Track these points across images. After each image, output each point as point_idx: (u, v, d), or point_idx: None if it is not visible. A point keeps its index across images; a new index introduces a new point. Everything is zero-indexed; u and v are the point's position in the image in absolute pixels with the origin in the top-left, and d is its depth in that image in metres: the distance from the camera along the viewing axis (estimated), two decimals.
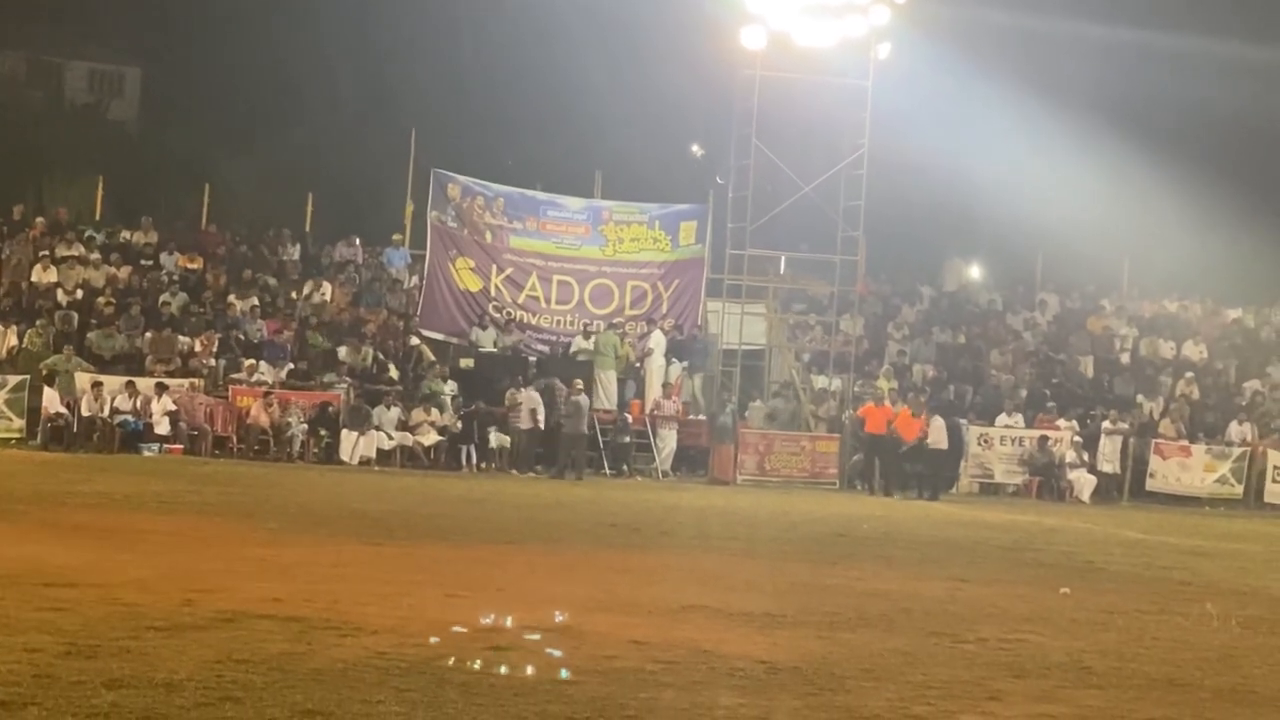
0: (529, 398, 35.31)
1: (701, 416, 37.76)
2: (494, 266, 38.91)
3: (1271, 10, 51.58)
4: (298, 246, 41.45)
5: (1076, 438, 37.42)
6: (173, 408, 33.37)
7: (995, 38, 47.36)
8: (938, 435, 35.20)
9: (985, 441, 37.36)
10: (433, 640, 11.86)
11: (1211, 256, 46.57)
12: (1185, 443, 38.58)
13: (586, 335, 38.24)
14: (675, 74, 52.58)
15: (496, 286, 38.84)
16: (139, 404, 33.32)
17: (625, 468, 35.83)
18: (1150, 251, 47.73)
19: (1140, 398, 40.86)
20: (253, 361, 35.67)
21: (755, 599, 15.57)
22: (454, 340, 38.17)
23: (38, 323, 35.43)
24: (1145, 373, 42.30)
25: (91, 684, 9.85)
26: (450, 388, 36.21)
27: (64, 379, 33.33)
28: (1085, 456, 37.23)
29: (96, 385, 32.94)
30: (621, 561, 18.43)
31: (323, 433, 34.16)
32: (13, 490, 22.84)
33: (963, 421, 37.27)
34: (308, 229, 43.57)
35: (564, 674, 10.97)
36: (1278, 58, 47.44)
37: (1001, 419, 38.07)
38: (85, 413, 32.71)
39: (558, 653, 11.67)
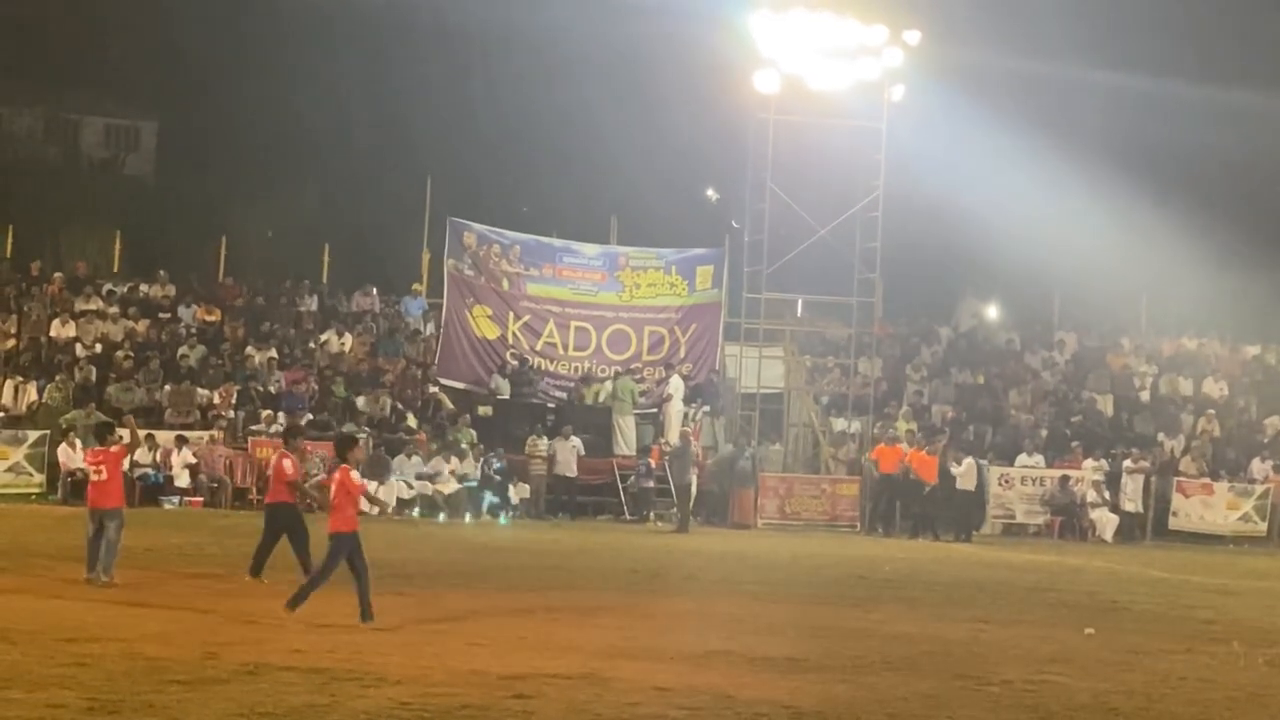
0: (564, 446, 35.42)
1: (707, 462, 37.28)
2: (511, 314, 38.95)
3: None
4: (315, 297, 41.51)
5: (1097, 476, 37.26)
6: (193, 460, 33.40)
7: (1008, 79, 47.40)
8: (968, 476, 35.10)
9: (1006, 482, 37.22)
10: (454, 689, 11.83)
11: (1229, 294, 46.44)
12: (1207, 480, 38.41)
13: (587, 383, 38.31)
14: (689, 119, 52.70)
15: (514, 334, 38.87)
16: (159, 457, 33.34)
17: (648, 513, 35.69)
18: (1168, 289, 47.63)
19: (1161, 436, 40.68)
20: (271, 412, 35.69)
21: (778, 643, 15.53)
22: (474, 389, 38.18)
23: (57, 378, 35.49)
24: (1166, 411, 42.12)
25: None
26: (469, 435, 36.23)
27: (84, 433, 33.32)
28: (1107, 495, 37.07)
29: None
30: (644, 607, 18.39)
31: None
32: (34, 546, 22.87)
33: (983, 462, 37.15)
34: (325, 279, 43.65)
35: None
36: None
37: (1021, 459, 37.96)
38: None
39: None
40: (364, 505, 17.16)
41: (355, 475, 16.32)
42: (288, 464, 19.65)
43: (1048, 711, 12.34)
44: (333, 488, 16.20)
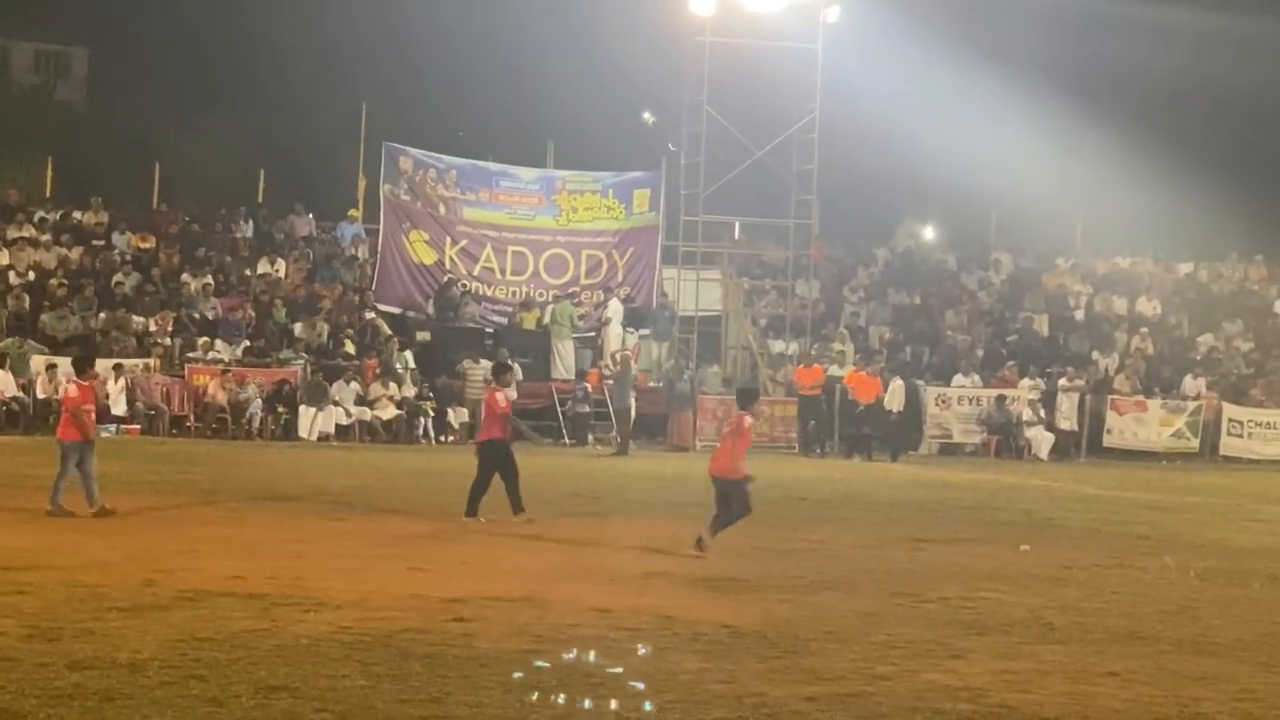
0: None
1: (653, 384, 37.56)
2: (448, 239, 38.80)
3: None
4: (250, 223, 41.20)
5: (1033, 395, 37.52)
6: (129, 387, 33.20)
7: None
8: (894, 397, 35.28)
9: (943, 401, 37.44)
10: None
11: (1162, 213, 46.73)
12: (1141, 398, 38.76)
13: (526, 308, 38.20)
14: (626, 42, 52.42)
15: (451, 258, 38.74)
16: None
17: (588, 437, 35.75)
18: (1102, 209, 47.89)
19: (1095, 354, 41.00)
20: (208, 339, 35.49)
21: (718, 564, 15.63)
22: (411, 314, 38.08)
23: None
24: (1100, 329, 42.45)
25: (55, 666, 9.83)
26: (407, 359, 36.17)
27: (17, 362, 33.09)
28: (1043, 414, 37.35)
29: (51, 368, 32.65)
30: (584, 530, 18.46)
31: (280, 409, 34.03)
32: None
33: (919, 383, 37.32)
34: (261, 205, 43.33)
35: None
36: (1217, 21, 47.78)
37: (958, 379, 38.15)
38: (40, 395, 32.46)
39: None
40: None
41: (750, 422, 17.27)
42: (500, 398, 19.48)
43: (984, 627, 12.48)
44: (732, 431, 17.15)
